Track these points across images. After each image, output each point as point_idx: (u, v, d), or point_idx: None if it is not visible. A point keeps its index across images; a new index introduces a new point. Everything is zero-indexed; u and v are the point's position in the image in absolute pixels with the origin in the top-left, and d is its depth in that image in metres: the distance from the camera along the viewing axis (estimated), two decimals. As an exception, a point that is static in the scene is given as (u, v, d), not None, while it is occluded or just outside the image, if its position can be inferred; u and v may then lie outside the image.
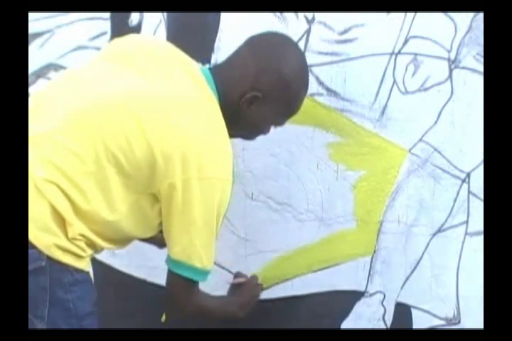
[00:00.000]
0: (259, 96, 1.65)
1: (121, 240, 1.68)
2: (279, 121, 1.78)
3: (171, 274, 1.69)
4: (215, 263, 2.09)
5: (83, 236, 1.55)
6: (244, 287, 1.97)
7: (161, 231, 1.74)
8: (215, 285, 2.09)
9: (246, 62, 1.66)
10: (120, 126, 1.54)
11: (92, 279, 1.64)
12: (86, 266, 1.60)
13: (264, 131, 1.79)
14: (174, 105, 1.57)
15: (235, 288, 1.99)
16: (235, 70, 1.66)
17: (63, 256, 1.54)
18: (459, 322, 2.10)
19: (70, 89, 1.62)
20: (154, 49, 1.69)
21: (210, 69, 1.68)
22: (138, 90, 1.57)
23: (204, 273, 1.68)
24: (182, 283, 1.67)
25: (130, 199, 1.57)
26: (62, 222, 1.53)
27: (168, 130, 1.53)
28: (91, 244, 1.58)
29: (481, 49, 1.99)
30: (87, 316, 1.60)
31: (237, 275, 2.03)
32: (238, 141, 2.04)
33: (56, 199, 1.52)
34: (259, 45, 1.70)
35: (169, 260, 1.68)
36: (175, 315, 1.82)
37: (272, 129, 1.82)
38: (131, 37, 1.77)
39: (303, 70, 1.74)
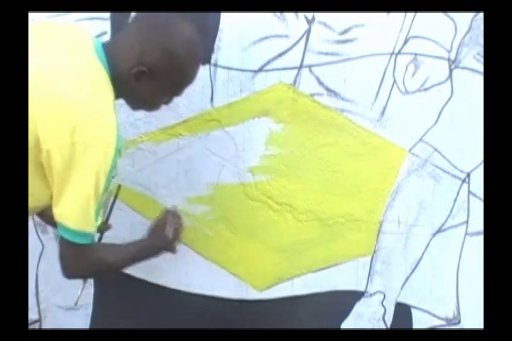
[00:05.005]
0: (146, 71, 1.67)
1: None
2: (174, 93, 1.79)
3: (59, 236, 1.69)
4: (215, 263, 2.10)
5: None
6: (160, 226, 1.93)
7: None
8: (215, 285, 2.09)
9: (132, 38, 1.69)
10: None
11: None
12: None
13: (158, 103, 1.80)
14: (56, 76, 1.61)
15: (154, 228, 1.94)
16: (123, 46, 1.69)
17: None
18: (459, 322, 2.10)
19: None
20: (55, 30, 1.74)
21: (103, 44, 1.71)
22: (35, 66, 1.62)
23: (81, 235, 1.65)
24: (65, 244, 1.67)
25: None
26: None
27: (46, 99, 1.58)
28: None
29: (481, 49, 1.99)
30: None
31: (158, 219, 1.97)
32: (238, 141, 2.04)
33: None
34: (145, 20, 1.72)
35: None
36: (72, 275, 1.74)
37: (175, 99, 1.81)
38: (43, 21, 1.85)
39: (189, 43, 1.72)
